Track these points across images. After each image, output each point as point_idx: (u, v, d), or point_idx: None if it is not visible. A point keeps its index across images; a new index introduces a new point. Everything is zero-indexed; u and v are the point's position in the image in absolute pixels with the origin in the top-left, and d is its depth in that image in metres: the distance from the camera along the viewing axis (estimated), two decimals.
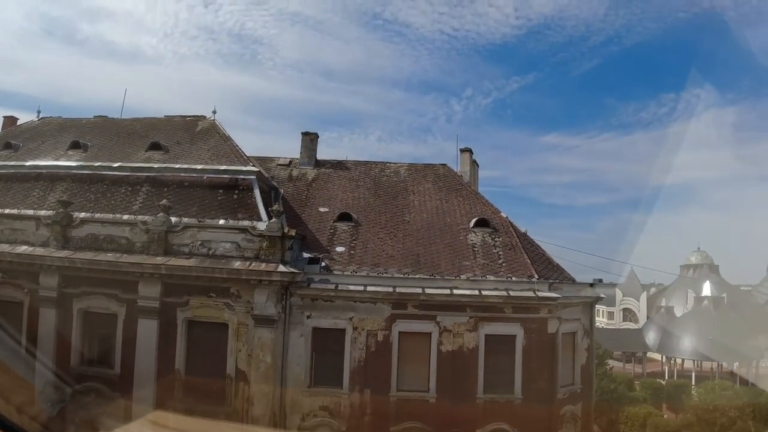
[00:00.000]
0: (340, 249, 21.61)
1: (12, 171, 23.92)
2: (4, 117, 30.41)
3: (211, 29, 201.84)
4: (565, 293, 20.71)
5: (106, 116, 28.51)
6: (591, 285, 23.06)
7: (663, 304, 68.59)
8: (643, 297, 76.79)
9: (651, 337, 59.22)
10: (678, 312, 64.64)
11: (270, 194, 23.30)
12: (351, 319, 19.76)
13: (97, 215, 21.23)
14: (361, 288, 19.81)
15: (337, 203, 24.29)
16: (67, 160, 24.08)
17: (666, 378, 52.45)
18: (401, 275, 20.39)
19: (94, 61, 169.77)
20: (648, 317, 70.39)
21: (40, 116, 29.06)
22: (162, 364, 19.33)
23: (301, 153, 27.41)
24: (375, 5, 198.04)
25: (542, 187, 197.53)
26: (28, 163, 24.11)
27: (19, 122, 29.73)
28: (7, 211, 21.98)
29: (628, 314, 78.11)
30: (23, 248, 20.66)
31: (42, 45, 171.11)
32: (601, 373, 36.66)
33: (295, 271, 19.59)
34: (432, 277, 20.37)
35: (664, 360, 57.90)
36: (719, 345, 51.74)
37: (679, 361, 57.29)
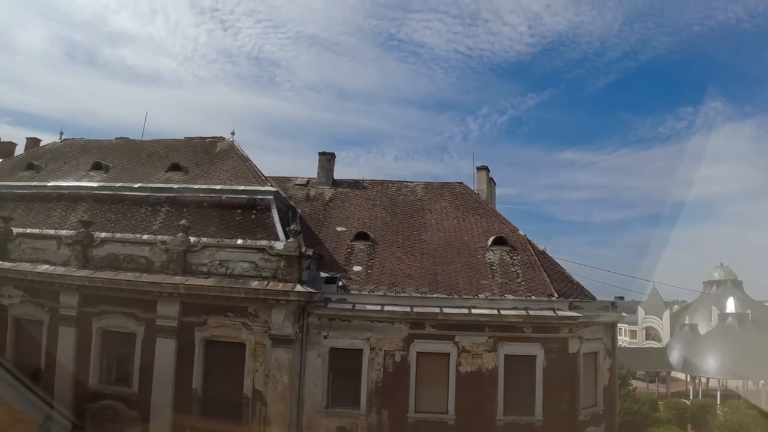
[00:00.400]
0: (357, 268, 21.55)
1: (34, 191, 24.33)
2: (27, 138, 31.07)
3: (230, 52, 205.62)
4: (586, 312, 20.36)
5: (127, 138, 28.96)
6: (612, 303, 22.71)
7: (686, 321, 67.39)
8: (666, 315, 75.57)
9: (675, 355, 58.17)
10: (702, 330, 63.46)
11: (287, 214, 23.40)
12: (368, 339, 19.61)
13: (118, 235, 21.43)
14: (379, 308, 19.68)
15: (354, 222, 24.28)
16: (89, 181, 24.45)
17: (690, 398, 51.40)
18: (419, 294, 20.22)
19: (116, 84, 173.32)
20: (671, 335, 69.12)
21: (63, 138, 29.63)
22: (179, 384, 19.33)
23: (318, 173, 27.55)
24: (390, 26, 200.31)
25: (560, 204, 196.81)
26: (50, 184, 24.51)
27: (41, 143, 30.35)
28: (29, 230, 22.28)
29: (651, 333, 76.83)
30: (44, 267, 20.89)
31: (64, 68, 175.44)
32: (624, 393, 36.05)
33: (313, 290, 19.54)
34: (450, 296, 20.16)
35: (688, 379, 56.73)
36: (744, 363, 50.64)
37: (703, 380, 56.14)
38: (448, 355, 19.45)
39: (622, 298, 23.79)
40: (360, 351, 19.60)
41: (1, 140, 33.12)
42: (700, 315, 68.91)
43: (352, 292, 20.35)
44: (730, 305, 64.29)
